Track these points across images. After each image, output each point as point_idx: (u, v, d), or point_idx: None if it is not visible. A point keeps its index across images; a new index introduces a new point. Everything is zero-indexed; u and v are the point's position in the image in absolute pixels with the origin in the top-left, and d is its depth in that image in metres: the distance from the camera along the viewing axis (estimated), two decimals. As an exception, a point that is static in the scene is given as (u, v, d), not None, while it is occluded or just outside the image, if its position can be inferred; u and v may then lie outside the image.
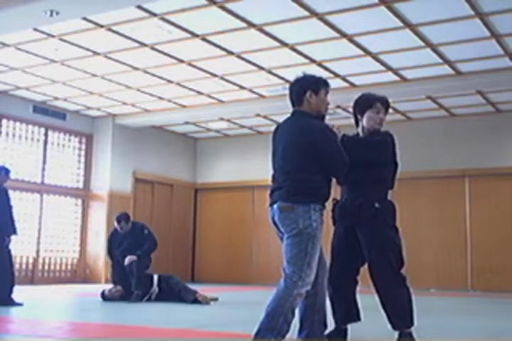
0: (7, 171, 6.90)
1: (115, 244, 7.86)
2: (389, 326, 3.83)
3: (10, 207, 6.76)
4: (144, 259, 7.71)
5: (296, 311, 3.50)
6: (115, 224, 7.87)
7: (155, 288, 7.47)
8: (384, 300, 3.81)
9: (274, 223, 3.60)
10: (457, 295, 10.30)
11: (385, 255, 3.84)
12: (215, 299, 7.52)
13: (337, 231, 4.06)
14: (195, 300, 7.13)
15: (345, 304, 3.95)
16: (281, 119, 3.99)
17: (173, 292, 7.35)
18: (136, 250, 7.66)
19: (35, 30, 8.23)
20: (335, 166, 3.57)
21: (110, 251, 7.97)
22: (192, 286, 7.68)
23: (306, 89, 3.67)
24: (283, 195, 3.52)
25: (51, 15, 7.24)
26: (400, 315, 3.76)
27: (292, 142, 3.58)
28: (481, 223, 11.86)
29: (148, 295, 7.45)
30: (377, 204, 3.84)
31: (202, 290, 7.86)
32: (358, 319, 4.00)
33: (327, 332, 3.82)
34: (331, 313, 3.94)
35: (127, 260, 7.57)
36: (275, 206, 3.55)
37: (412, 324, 3.78)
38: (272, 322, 3.32)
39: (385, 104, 4.09)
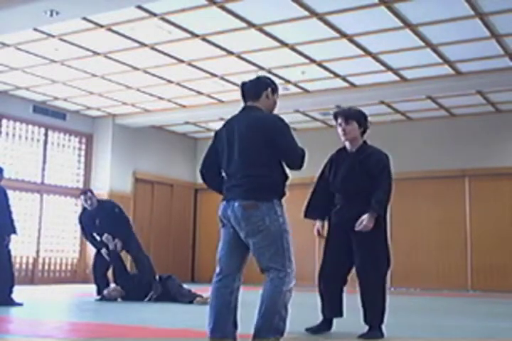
0: (1, 170, 6.81)
1: (88, 224, 7.80)
2: (361, 319, 4.27)
3: (9, 207, 6.74)
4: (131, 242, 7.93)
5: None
6: (82, 200, 7.77)
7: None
8: (365, 299, 4.25)
9: (225, 218, 3.52)
10: (457, 295, 10.30)
11: (378, 260, 4.25)
12: None
13: (331, 234, 4.44)
14: (191, 302, 7.14)
15: (334, 300, 4.41)
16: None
17: (170, 295, 7.36)
18: (110, 227, 7.68)
19: (35, 30, 8.23)
20: (292, 159, 3.52)
21: (86, 234, 7.92)
22: (192, 286, 7.68)
23: (268, 86, 3.70)
24: (245, 193, 3.45)
25: (51, 15, 7.25)
26: (376, 313, 4.21)
27: (251, 137, 3.50)
28: (481, 223, 11.86)
29: (148, 297, 7.45)
30: None
31: (202, 290, 7.85)
32: (341, 315, 4.46)
33: (315, 325, 4.39)
34: (320, 307, 4.43)
35: (115, 246, 7.68)
36: (236, 204, 3.44)
37: (383, 322, 4.23)
38: (268, 322, 3.32)
39: (342, 115, 4.42)
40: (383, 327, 4.25)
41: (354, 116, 4.41)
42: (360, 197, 4.27)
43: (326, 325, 4.42)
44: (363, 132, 4.45)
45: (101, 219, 7.72)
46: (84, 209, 7.92)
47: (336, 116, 4.47)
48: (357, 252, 4.26)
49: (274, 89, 3.74)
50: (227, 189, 3.56)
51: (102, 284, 7.69)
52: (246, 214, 3.41)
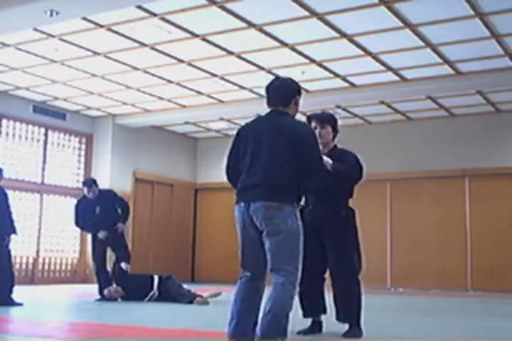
0: (0, 170, 6.82)
1: (86, 211, 7.79)
2: (334, 317, 4.40)
3: (9, 207, 6.74)
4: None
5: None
6: (85, 190, 7.78)
7: (155, 291, 7.46)
8: (341, 298, 4.36)
9: (245, 221, 3.50)
10: (457, 295, 10.30)
11: (351, 259, 4.38)
12: (218, 294, 7.42)
13: (306, 234, 4.45)
14: (191, 302, 7.14)
15: (314, 298, 4.45)
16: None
17: (170, 295, 7.36)
18: (112, 216, 7.75)
19: (35, 30, 8.23)
20: (313, 174, 3.55)
21: (78, 219, 7.88)
22: (192, 286, 7.66)
23: (297, 93, 3.73)
24: (267, 194, 3.44)
25: (51, 15, 7.24)
26: (353, 310, 4.33)
27: (277, 141, 3.53)
28: (481, 223, 11.86)
29: (148, 297, 7.45)
30: (343, 212, 4.46)
31: (202, 290, 7.86)
32: (324, 312, 4.50)
33: (306, 327, 4.40)
34: (300, 307, 4.42)
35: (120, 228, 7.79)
36: (258, 204, 3.44)
37: (359, 319, 4.34)
38: (277, 324, 3.36)
39: (318, 120, 4.55)
40: (362, 324, 4.35)
41: (329, 121, 4.57)
42: (331, 197, 4.43)
43: (316, 327, 4.49)
44: (335, 136, 4.63)
45: (101, 207, 7.76)
46: (83, 196, 7.93)
47: (310, 120, 4.59)
48: (330, 250, 4.39)
49: (300, 93, 3.76)
50: (244, 188, 3.54)
51: (104, 284, 7.67)
52: (268, 215, 3.42)
